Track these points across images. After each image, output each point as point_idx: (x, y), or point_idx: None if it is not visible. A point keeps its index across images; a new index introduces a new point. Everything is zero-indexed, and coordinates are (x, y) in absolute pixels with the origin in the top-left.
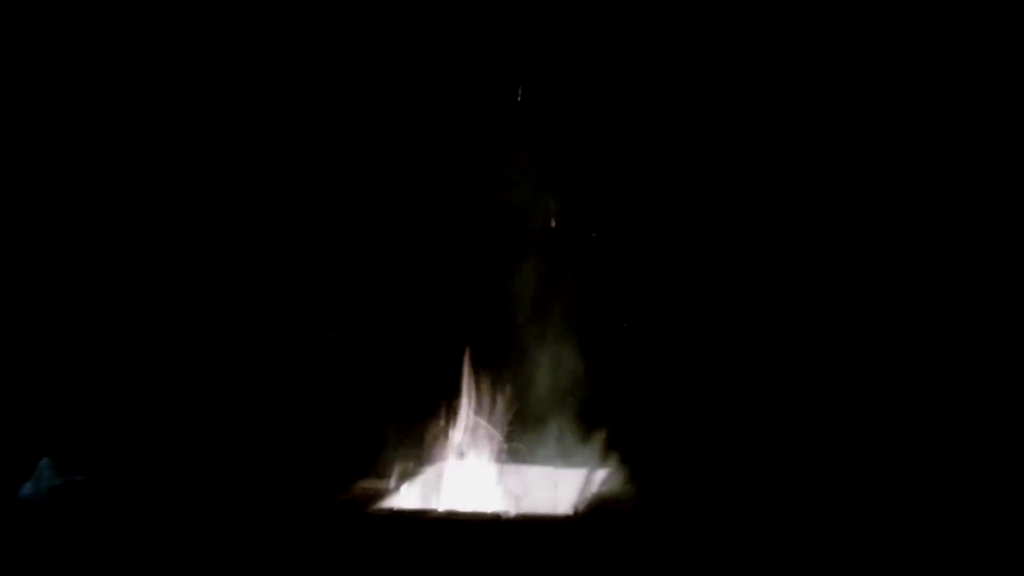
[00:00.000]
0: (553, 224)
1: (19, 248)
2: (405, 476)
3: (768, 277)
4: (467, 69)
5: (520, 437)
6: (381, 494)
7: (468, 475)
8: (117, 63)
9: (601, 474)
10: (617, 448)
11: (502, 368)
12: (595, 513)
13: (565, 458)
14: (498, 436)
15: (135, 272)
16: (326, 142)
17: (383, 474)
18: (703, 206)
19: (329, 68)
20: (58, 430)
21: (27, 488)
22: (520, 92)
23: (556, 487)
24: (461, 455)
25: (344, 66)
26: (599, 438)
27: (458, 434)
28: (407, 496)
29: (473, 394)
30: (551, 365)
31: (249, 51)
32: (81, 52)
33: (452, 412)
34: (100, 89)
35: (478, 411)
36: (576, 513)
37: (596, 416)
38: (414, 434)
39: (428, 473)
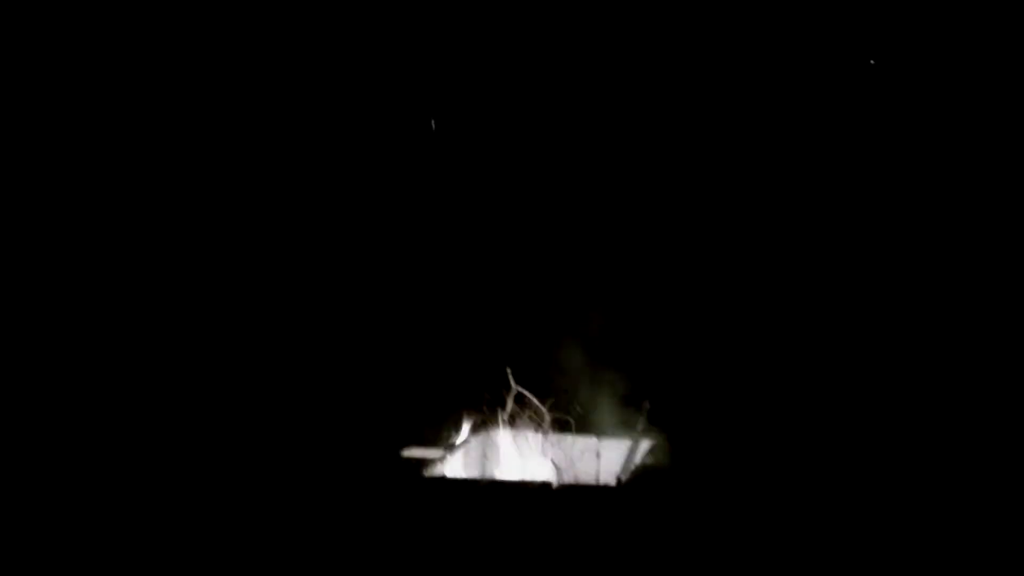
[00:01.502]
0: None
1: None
2: (454, 445)
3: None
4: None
5: (565, 409)
6: (431, 462)
7: (515, 445)
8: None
9: (644, 445)
10: (658, 421)
11: (550, 344)
12: (636, 482)
13: (609, 430)
14: (544, 408)
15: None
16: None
17: (433, 443)
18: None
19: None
20: None
21: None
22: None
23: (599, 457)
24: (509, 426)
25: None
26: (642, 411)
27: (506, 406)
28: (456, 464)
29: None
30: (596, 342)
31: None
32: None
33: (501, 385)
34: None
35: (525, 385)
36: (619, 482)
37: (639, 390)
38: (464, 405)
39: (477, 443)
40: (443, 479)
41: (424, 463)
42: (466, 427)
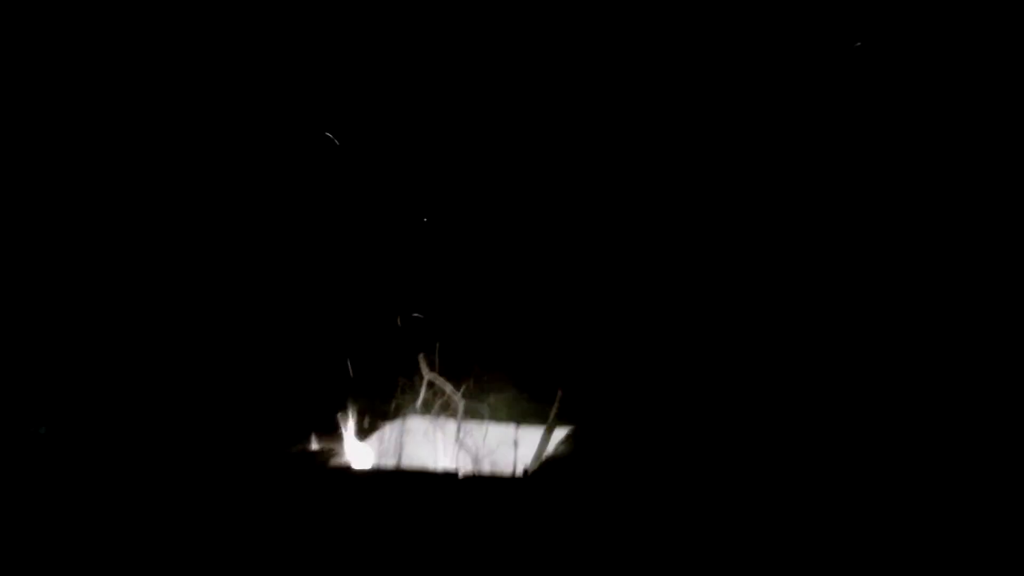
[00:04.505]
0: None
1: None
2: (365, 432)
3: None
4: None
5: (480, 398)
6: (340, 449)
7: (428, 433)
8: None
9: (557, 435)
10: (572, 412)
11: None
12: (544, 472)
13: (524, 419)
14: (458, 396)
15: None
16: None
17: (342, 430)
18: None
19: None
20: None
21: None
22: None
23: (517, 447)
24: (422, 413)
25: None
26: (557, 401)
27: (419, 393)
28: (366, 452)
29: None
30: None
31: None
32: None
33: (414, 372)
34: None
35: (439, 372)
36: (526, 473)
37: (554, 380)
38: (376, 392)
39: (388, 430)
40: (347, 466)
41: (330, 451)
42: (377, 413)
